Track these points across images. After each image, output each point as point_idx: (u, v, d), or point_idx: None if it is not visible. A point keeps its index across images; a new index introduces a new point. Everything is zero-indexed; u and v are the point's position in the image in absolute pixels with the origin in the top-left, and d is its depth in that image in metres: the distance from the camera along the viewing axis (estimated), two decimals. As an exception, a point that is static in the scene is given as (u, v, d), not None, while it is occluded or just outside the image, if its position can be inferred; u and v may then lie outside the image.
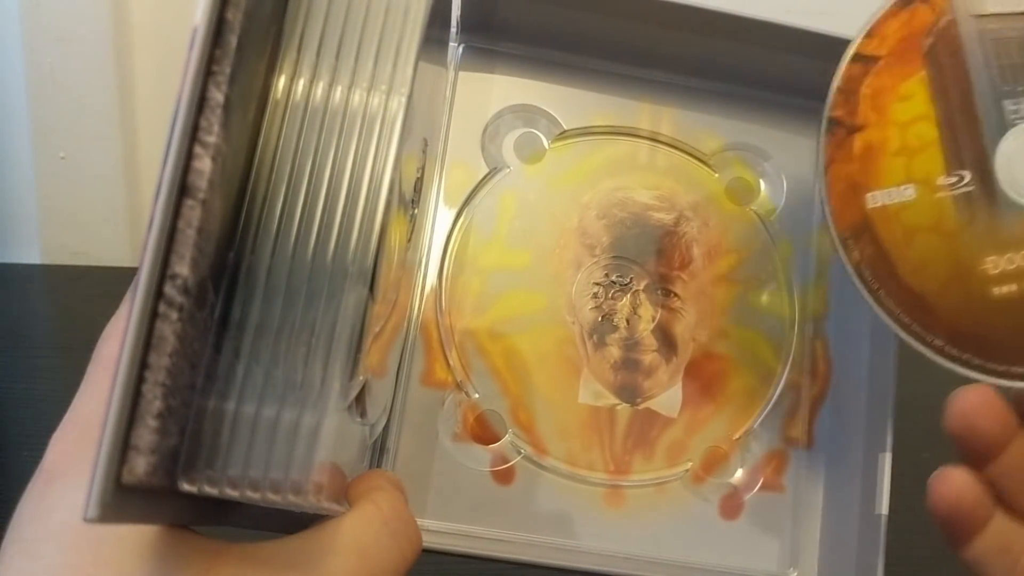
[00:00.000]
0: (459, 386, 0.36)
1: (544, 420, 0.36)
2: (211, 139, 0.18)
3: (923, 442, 0.47)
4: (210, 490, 0.19)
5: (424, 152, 0.33)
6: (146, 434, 0.18)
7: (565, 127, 0.39)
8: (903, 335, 0.27)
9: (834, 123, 0.30)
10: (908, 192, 0.28)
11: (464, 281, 0.37)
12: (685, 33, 0.37)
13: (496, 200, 0.38)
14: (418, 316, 0.36)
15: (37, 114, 0.51)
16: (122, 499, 0.18)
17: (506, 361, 0.36)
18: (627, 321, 0.37)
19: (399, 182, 0.23)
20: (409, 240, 0.32)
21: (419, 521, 0.27)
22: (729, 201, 0.39)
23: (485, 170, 0.38)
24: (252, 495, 0.19)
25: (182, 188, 0.18)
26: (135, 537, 0.21)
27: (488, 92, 0.39)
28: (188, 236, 0.18)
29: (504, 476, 0.35)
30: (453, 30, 0.38)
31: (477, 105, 0.38)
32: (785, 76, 0.39)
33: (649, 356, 0.37)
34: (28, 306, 0.52)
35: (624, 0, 0.36)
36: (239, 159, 0.21)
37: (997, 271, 0.27)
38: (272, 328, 0.21)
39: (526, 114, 0.39)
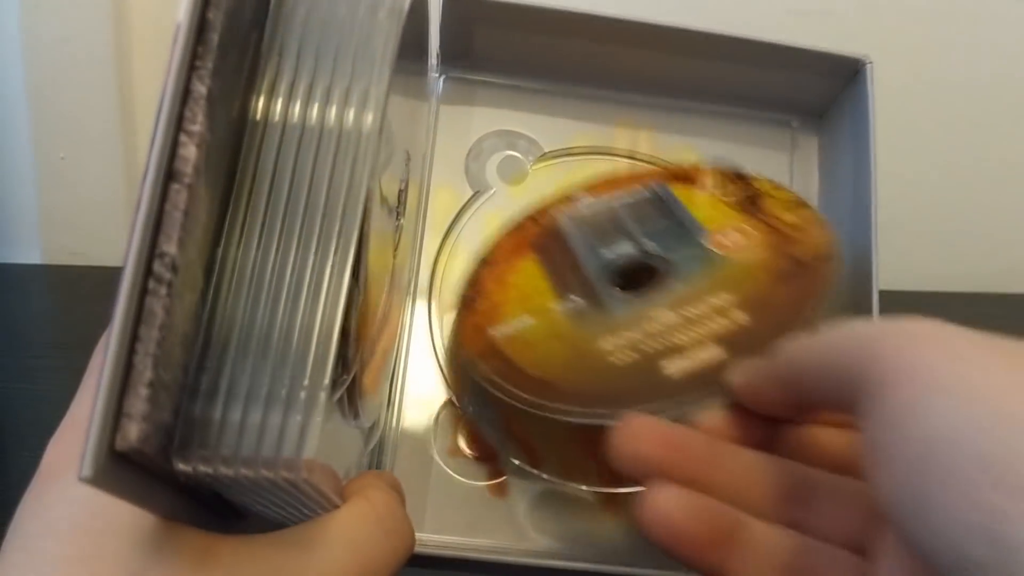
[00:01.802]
0: (452, 402, 0.36)
1: (538, 432, 0.36)
2: (195, 128, 0.19)
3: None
4: (205, 469, 0.20)
5: (407, 165, 0.34)
6: (138, 402, 0.18)
7: (546, 149, 0.40)
8: (525, 407, 0.32)
9: (466, 298, 0.37)
10: (526, 320, 0.35)
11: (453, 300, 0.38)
12: (657, 52, 0.39)
13: (481, 221, 0.39)
14: (409, 334, 0.37)
15: (37, 114, 0.51)
16: (116, 466, 0.18)
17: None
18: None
19: (381, 171, 0.24)
20: (396, 249, 0.32)
21: (417, 535, 0.27)
22: None
23: (470, 193, 0.40)
24: (246, 472, 0.20)
25: (169, 174, 0.19)
26: (132, 530, 0.21)
27: (470, 120, 0.41)
28: (175, 218, 0.19)
29: (500, 489, 0.36)
30: (434, 61, 0.40)
31: (460, 132, 0.40)
32: (754, 90, 0.41)
33: None
34: (28, 306, 0.53)
35: (595, 22, 0.37)
36: (224, 154, 0.21)
37: (613, 346, 0.33)
38: (259, 322, 0.21)
39: (507, 138, 0.40)
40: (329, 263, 0.21)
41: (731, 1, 0.52)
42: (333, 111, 0.22)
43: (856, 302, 0.36)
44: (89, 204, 0.53)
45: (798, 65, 0.39)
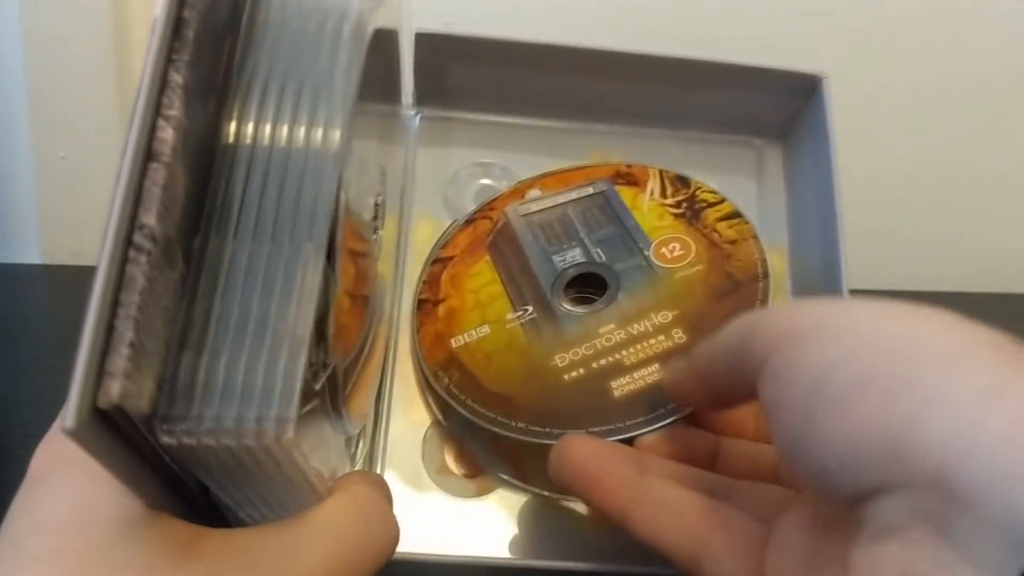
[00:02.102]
0: (438, 421, 0.37)
1: (525, 449, 0.36)
2: (173, 113, 0.20)
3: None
4: (188, 441, 0.20)
5: (383, 181, 0.35)
6: (120, 361, 0.18)
7: (520, 177, 0.42)
8: (485, 425, 0.34)
9: (423, 302, 0.39)
10: (484, 330, 0.37)
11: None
12: (622, 81, 0.41)
13: None
14: (395, 358, 0.38)
15: (37, 114, 0.51)
16: (99, 424, 0.18)
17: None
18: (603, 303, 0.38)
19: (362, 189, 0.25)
20: (376, 261, 0.34)
21: (408, 550, 0.28)
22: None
23: (449, 221, 0.41)
24: (227, 442, 0.20)
25: (148, 154, 0.20)
26: (118, 522, 0.22)
27: (447, 153, 0.42)
28: (154, 193, 0.19)
29: (489, 504, 0.36)
30: (409, 100, 0.42)
31: (438, 165, 0.42)
32: (718, 114, 0.43)
33: None
34: (28, 306, 0.53)
35: (561, 52, 0.39)
36: (201, 148, 0.22)
37: (565, 364, 0.35)
38: (239, 304, 0.22)
39: (483, 168, 0.42)
40: (302, 252, 0.22)
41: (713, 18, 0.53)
42: (304, 117, 0.23)
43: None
44: (89, 204, 0.53)
45: (758, 85, 0.41)
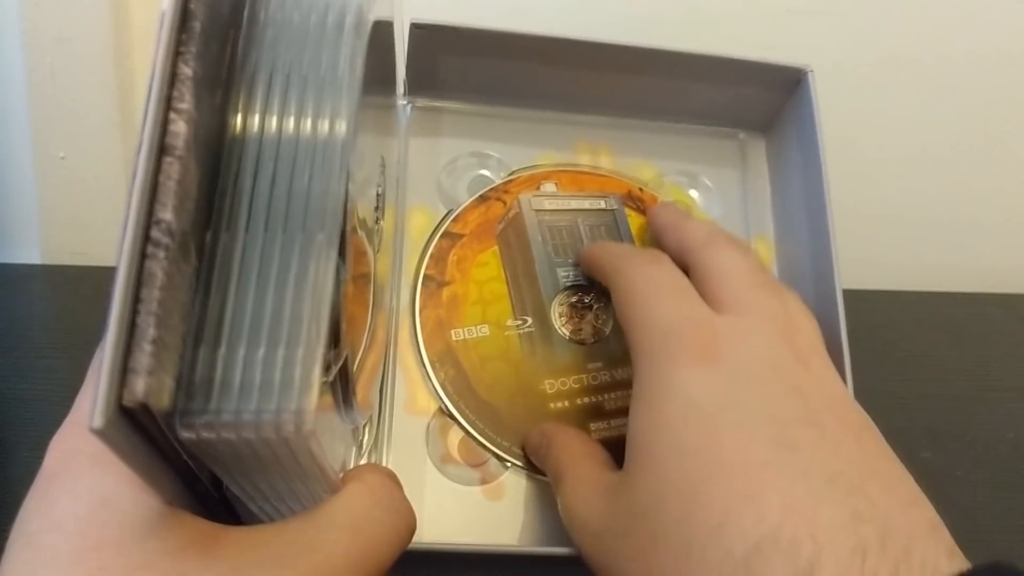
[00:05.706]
0: (441, 411, 0.37)
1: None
2: (184, 106, 0.20)
3: (923, 442, 0.47)
4: (207, 435, 0.20)
5: (383, 172, 0.35)
6: (143, 358, 0.19)
7: (513, 167, 0.43)
8: (475, 435, 0.36)
9: (428, 279, 0.39)
10: (483, 330, 0.38)
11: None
12: (608, 72, 0.41)
13: None
14: (395, 349, 0.38)
15: (37, 114, 0.51)
16: (124, 422, 0.18)
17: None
18: (594, 336, 0.39)
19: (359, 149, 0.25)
20: (377, 251, 0.34)
21: (417, 538, 0.28)
22: None
23: (444, 211, 0.41)
24: (247, 435, 0.20)
25: (161, 148, 0.20)
26: (137, 520, 0.22)
27: (439, 143, 0.43)
28: (169, 187, 0.20)
29: (495, 492, 0.36)
30: (401, 90, 0.42)
31: (431, 156, 0.42)
32: (702, 106, 0.43)
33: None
34: (28, 306, 0.52)
35: (549, 43, 0.39)
36: (211, 138, 0.22)
37: (553, 391, 0.37)
38: (254, 295, 0.22)
39: (476, 158, 0.43)
40: (314, 244, 0.22)
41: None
42: (310, 110, 0.23)
43: (821, 302, 0.37)
44: (89, 204, 0.53)
45: (744, 78, 0.41)
